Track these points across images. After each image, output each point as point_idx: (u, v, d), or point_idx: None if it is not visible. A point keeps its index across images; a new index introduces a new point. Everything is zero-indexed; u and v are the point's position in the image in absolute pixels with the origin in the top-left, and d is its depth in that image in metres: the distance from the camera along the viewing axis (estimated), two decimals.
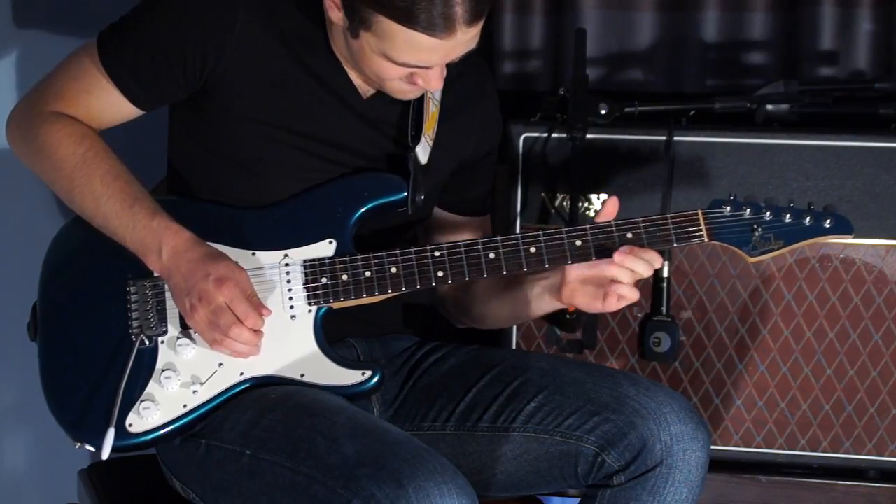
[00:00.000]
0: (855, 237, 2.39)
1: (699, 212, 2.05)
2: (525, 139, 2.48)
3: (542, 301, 2.15)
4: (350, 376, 2.03)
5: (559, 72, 2.81)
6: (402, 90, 2.04)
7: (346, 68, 2.09)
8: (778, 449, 2.46)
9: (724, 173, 2.42)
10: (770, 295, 2.44)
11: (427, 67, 1.97)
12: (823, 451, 2.45)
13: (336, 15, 1.99)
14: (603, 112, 2.38)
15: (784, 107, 2.45)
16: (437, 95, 2.15)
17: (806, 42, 2.71)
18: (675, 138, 2.43)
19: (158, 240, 1.98)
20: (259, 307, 1.97)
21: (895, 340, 2.42)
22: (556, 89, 2.50)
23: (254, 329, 1.97)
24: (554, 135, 2.45)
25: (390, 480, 1.80)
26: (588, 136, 2.35)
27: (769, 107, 2.45)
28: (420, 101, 2.13)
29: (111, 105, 2.07)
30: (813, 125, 2.44)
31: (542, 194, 2.47)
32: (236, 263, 1.98)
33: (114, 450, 1.98)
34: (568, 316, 2.23)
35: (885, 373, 2.43)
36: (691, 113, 2.48)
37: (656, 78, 2.79)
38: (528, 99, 2.68)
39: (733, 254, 2.38)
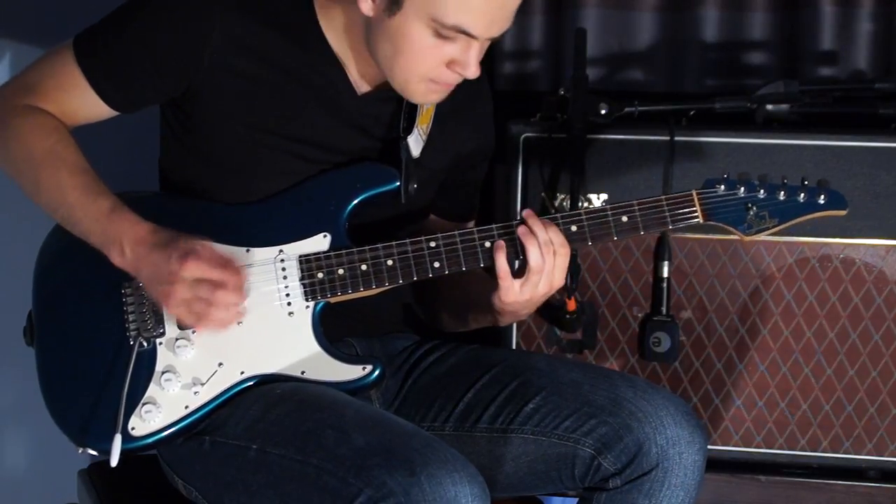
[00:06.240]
0: (855, 237, 2.40)
1: (693, 192, 2.05)
2: (525, 139, 2.48)
3: (484, 311, 2.12)
4: (350, 371, 2.02)
5: (559, 72, 2.81)
6: (429, 90, 2.01)
7: (342, 62, 2.08)
8: (778, 449, 2.46)
9: (723, 173, 2.42)
10: (770, 295, 2.44)
11: (473, 38, 1.93)
12: (823, 451, 2.45)
13: (367, 5, 1.96)
14: (603, 112, 2.37)
15: (784, 107, 2.45)
16: None
17: (806, 42, 2.71)
18: (676, 138, 2.43)
19: (118, 233, 1.95)
20: (236, 269, 1.95)
21: (895, 340, 2.42)
22: (556, 89, 2.50)
23: (236, 289, 1.94)
24: (554, 135, 2.45)
25: (402, 469, 1.79)
26: (588, 136, 2.35)
27: (769, 107, 2.44)
28: None
29: (85, 104, 2.06)
30: (813, 125, 2.44)
31: (542, 194, 2.46)
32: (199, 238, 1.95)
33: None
34: (568, 316, 2.22)
35: (885, 373, 2.43)
36: (691, 113, 2.47)
37: (656, 78, 2.79)
38: (528, 99, 2.68)
39: (733, 253, 2.39)
